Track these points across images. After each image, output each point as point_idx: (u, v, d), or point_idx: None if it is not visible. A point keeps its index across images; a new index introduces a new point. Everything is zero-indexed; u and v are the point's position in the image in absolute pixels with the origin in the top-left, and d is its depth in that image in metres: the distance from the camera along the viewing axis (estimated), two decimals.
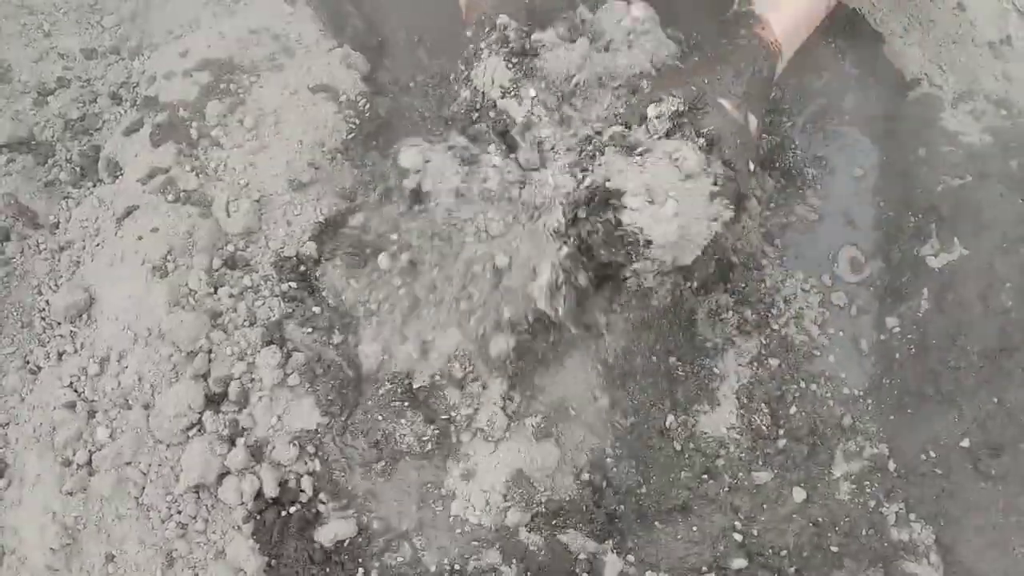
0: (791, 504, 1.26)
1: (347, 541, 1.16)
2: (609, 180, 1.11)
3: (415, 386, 1.23)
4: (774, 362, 1.35)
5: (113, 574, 1.11)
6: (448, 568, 1.16)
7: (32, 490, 1.16)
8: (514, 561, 1.13)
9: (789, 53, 1.31)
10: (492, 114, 1.24)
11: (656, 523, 1.25)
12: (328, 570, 1.14)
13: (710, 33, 1.47)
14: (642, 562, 1.21)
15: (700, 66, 1.26)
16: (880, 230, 1.47)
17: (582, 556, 1.15)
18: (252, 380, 1.19)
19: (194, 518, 1.12)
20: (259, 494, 1.14)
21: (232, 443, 1.15)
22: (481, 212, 1.17)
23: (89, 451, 1.15)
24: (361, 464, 1.19)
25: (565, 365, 1.29)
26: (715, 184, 1.12)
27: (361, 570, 1.15)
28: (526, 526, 1.17)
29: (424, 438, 1.20)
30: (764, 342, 1.38)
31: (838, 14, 1.62)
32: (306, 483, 1.16)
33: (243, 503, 1.13)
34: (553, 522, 1.19)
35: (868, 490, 1.26)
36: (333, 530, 1.15)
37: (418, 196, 1.18)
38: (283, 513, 1.15)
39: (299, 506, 1.16)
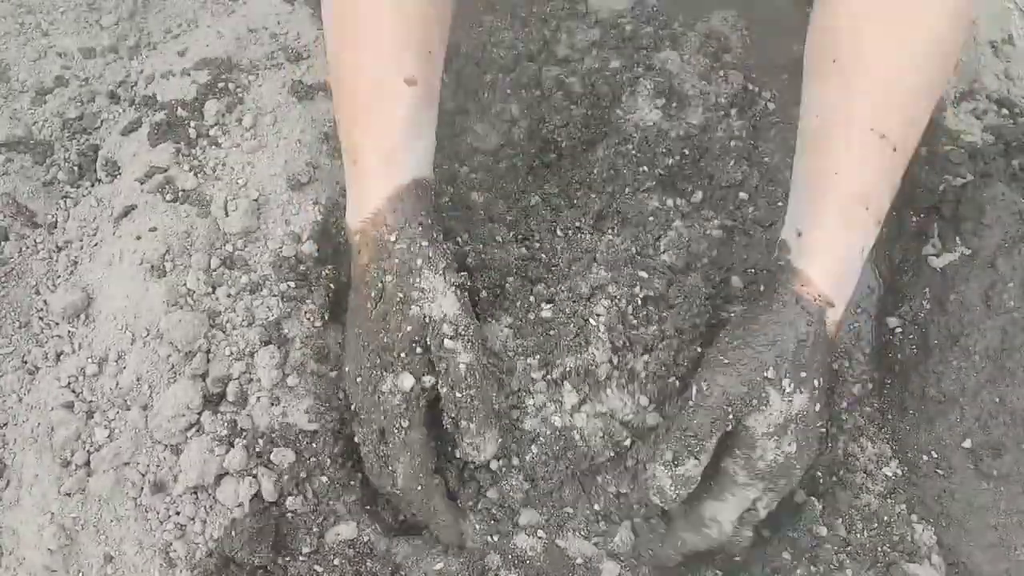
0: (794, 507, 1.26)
1: (347, 542, 1.15)
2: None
3: None
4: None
5: (111, 575, 1.11)
6: None
7: (30, 491, 1.15)
8: (512, 565, 1.13)
9: (845, 296, 1.08)
10: None
11: (652, 522, 1.25)
12: (328, 572, 1.13)
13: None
14: (641, 564, 1.20)
15: (739, 349, 1.05)
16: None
17: (579, 561, 1.14)
18: (251, 380, 1.19)
19: (192, 519, 1.12)
20: (257, 495, 1.13)
21: (231, 444, 1.15)
22: None
23: (87, 451, 1.15)
24: None
25: None
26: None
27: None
28: (525, 531, 1.16)
29: None
30: None
31: None
32: (305, 485, 1.16)
33: (241, 504, 1.12)
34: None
35: (869, 491, 1.26)
36: (334, 531, 1.15)
37: None
38: (283, 515, 1.15)
39: (298, 508, 1.15)
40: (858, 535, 1.22)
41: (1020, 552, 1.19)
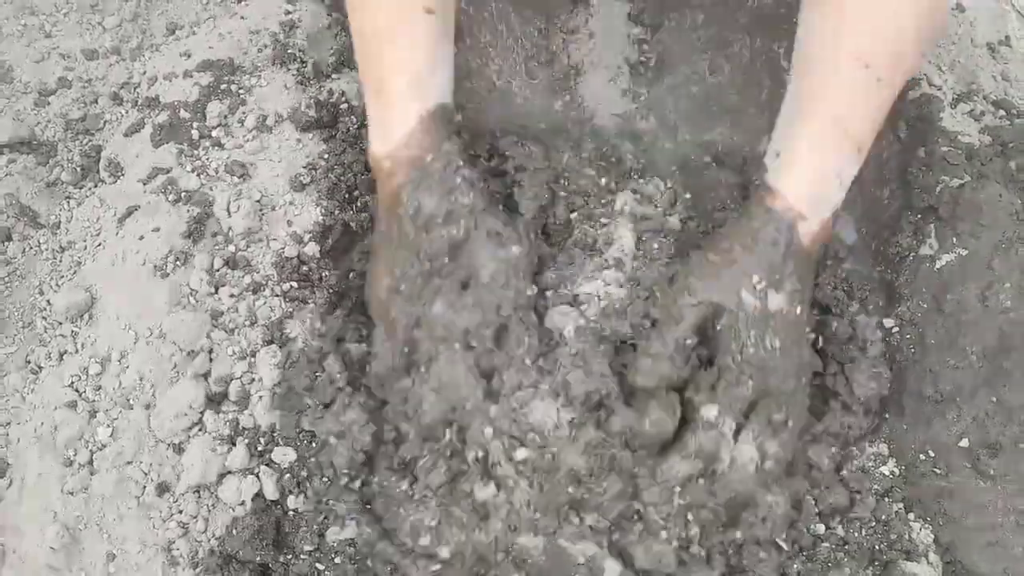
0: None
1: (348, 541, 1.16)
2: None
3: None
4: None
5: (114, 574, 1.12)
6: None
7: (33, 489, 1.16)
8: (514, 566, 1.13)
9: (820, 215, 1.10)
10: None
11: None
12: (330, 570, 1.14)
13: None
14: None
15: (724, 254, 1.10)
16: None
17: (581, 560, 1.15)
18: (253, 380, 1.20)
19: (195, 518, 1.13)
20: (259, 494, 1.14)
21: (233, 443, 1.16)
22: None
23: (90, 451, 1.16)
24: None
25: None
26: None
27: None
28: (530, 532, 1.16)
29: None
30: None
31: None
32: (306, 484, 1.16)
33: (243, 503, 1.13)
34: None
35: (866, 490, 1.26)
36: (335, 531, 1.15)
37: None
38: (285, 513, 1.15)
39: (300, 507, 1.16)
40: (856, 534, 1.23)
41: (1017, 551, 1.19)
